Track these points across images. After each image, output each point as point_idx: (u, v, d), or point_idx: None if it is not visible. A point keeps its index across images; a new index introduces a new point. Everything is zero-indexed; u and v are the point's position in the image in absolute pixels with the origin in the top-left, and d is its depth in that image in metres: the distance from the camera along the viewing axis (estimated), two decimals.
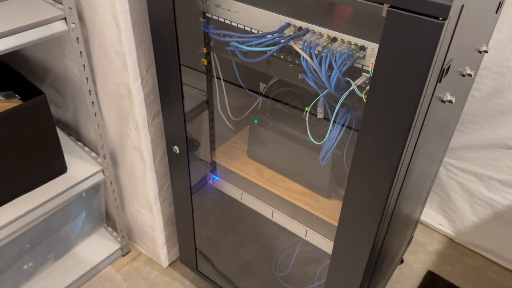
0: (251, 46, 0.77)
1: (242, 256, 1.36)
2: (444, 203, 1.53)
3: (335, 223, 0.96)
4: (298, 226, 1.02)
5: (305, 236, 1.02)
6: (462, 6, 0.56)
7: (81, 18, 0.99)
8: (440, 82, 0.64)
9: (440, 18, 0.52)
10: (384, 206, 0.73)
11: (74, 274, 1.36)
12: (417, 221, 1.48)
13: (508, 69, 1.17)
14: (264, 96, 1.07)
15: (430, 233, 1.60)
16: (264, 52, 0.78)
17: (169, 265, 1.45)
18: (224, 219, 1.35)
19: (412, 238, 1.54)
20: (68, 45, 1.11)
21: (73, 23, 0.97)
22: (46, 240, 1.32)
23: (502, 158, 1.31)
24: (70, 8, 0.95)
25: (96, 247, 1.44)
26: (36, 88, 1.11)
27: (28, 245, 1.27)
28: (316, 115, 0.87)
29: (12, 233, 1.10)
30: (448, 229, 1.57)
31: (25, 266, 1.29)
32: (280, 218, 1.05)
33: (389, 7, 0.55)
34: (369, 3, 0.59)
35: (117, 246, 1.45)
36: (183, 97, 0.93)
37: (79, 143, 1.33)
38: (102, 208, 1.45)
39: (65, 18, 0.96)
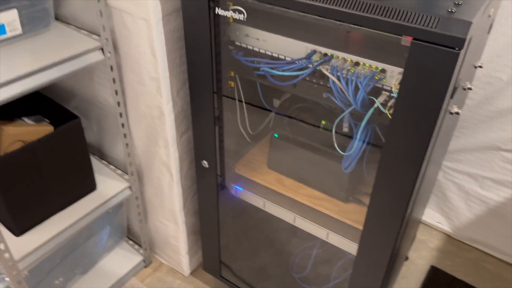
0: (283, 70, 0.88)
1: (262, 261, 1.45)
2: (441, 202, 1.66)
3: (354, 225, 1.07)
4: (320, 229, 1.12)
5: (326, 238, 1.12)
6: (471, 37, 0.68)
7: (115, 47, 1.08)
8: (452, 98, 0.76)
9: (456, 49, 0.64)
10: (405, 210, 0.84)
11: (101, 287, 1.42)
12: (419, 221, 1.60)
13: (496, 79, 1.31)
14: (285, 114, 1.17)
15: (430, 231, 1.72)
16: (294, 76, 0.88)
17: (191, 273, 1.53)
18: (243, 227, 1.44)
19: (415, 236, 1.66)
20: (98, 71, 1.20)
21: (109, 52, 1.06)
22: (73, 255, 1.38)
23: (494, 159, 1.44)
24: (106, 39, 1.04)
25: (120, 260, 1.51)
26: (69, 111, 1.18)
27: (58, 261, 1.33)
28: (334, 127, 0.99)
29: (49, 250, 1.16)
30: (446, 226, 1.69)
31: (56, 282, 1.36)
32: (302, 223, 1.15)
33: (412, 39, 0.67)
34: (393, 35, 0.70)
35: (140, 258, 1.52)
36: (215, 117, 1.03)
37: (103, 161, 1.40)
38: (124, 223, 1.52)
39: (102, 49, 1.05)
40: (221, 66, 1.01)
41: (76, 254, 1.39)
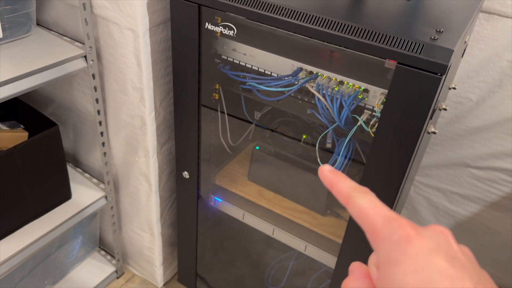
0: (270, 86, 0.89)
1: (237, 272, 1.45)
2: (412, 216, 1.71)
3: (333, 238, 1.09)
4: (298, 241, 1.14)
5: (305, 250, 1.14)
6: (451, 63, 0.72)
7: (98, 55, 1.07)
8: (431, 119, 0.80)
9: (439, 74, 0.67)
10: None
11: None
12: None
13: (466, 99, 1.37)
14: (267, 128, 1.19)
15: None
16: (281, 92, 0.90)
17: (164, 284, 1.51)
18: (219, 238, 1.44)
19: None
20: (78, 78, 1.18)
21: (92, 60, 1.04)
22: (43, 265, 1.34)
23: (462, 175, 1.51)
24: (90, 47, 1.03)
25: (91, 270, 1.48)
26: (46, 118, 1.16)
27: (28, 271, 1.29)
28: (317, 143, 1.01)
29: (22, 260, 1.12)
30: None
31: None
32: (281, 235, 1.16)
33: (397, 63, 0.70)
34: (377, 58, 0.73)
35: (112, 268, 1.49)
36: (199, 129, 1.03)
37: (78, 169, 1.37)
38: (97, 232, 1.49)
39: (85, 56, 1.03)
40: (204, 78, 1.01)
41: (46, 264, 1.35)
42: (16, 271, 1.22)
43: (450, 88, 1.11)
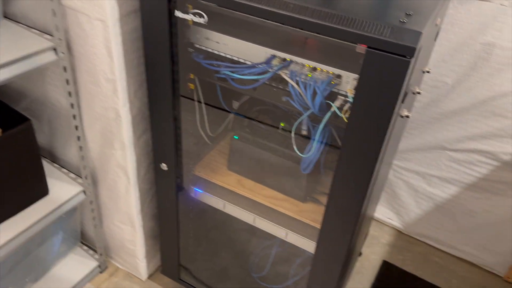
0: (244, 74, 0.89)
1: (221, 262, 1.46)
2: (392, 199, 1.74)
3: (313, 224, 1.10)
4: (279, 229, 1.14)
5: (286, 237, 1.15)
6: (421, 46, 0.72)
7: (69, 47, 1.05)
8: (403, 102, 0.80)
9: (408, 57, 0.67)
10: (361, 208, 0.87)
11: None
12: (372, 218, 1.67)
13: (442, 83, 1.39)
14: (244, 116, 1.18)
15: (382, 227, 1.79)
16: (255, 80, 0.89)
17: (148, 277, 1.51)
18: (202, 229, 1.44)
19: (368, 232, 1.72)
20: (50, 72, 1.15)
21: (62, 52, 1.02)
22: (24, 262, 1.32)
23: (440, 158, 1.53)
24: (60, 39, 1.00)
25: (74, 266, 1.46)
26: (18, 113, 1.13)
27: (8, 269, 1.27)
28: (293, 130, 1.01)
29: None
30: (396, 222, 1.77)
31: None
32: (262, 223, 1.17)
33: (367, 47, 0.70)
34: (350, 43, 0.72)
35: (95, 263, 1.48)
36: (174, 119, 1.02)
37: (55, 164, 1.35)
38: (78, 227, 1.47)
39: (55, 49, 1.01)
40: (178, 67, 1.00)
41: (27, 261, 1.33)
42: None
43: (424, 72, 1.11)
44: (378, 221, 1.81)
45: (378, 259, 1.66)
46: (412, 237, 1.75)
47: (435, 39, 1.08)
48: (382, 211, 1.79)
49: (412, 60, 0.68)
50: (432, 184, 1.60)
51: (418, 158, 1.58)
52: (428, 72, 1.11)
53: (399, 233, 1.78)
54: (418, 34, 0.67)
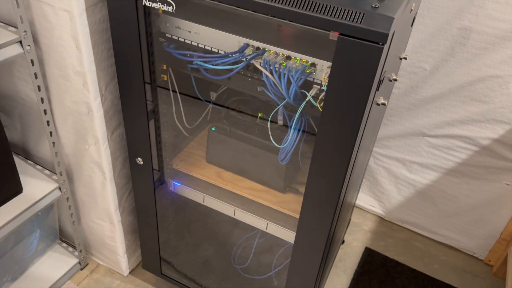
0: (216, 64, 0.86)
1: (203, 255, 1.45)
2: (373, 186, 1.74)
3: (293, 214, 1.09)
4: (259, 220, 1.13)
5: (266, 228, 1.14)
6: (394, 32, 0.70)
7: (35, 40, 1.01)
8: (378, 90, 0.79)
9: (380, 43, 0.66)
10: (338, 196, 0.87)
11: None
12: (354, 205, 1.67)
13: (420, 69, 1.39)
14: (220, 105, 1.16)
15: (364, 214, 1.80)
16: (228, 70, 0.87)
17: (130, 272, 1.49)
18: (184, 222, 1.42)
19: (350, 220, 1.73)
20: (17, 65, 1.11)
21: (29, 45, 0.98)
22: (0, 262, 1.29)
23: (420, 144, 1.53)
24: (25, 31, 0.96)
25: (53, 264, 1.44)
26: None
27: None
28: (269, 121, 0.99)
29: None
30: (378, 209, 1.78)
31: None
32: (242, 215, 1.15)
33: (339, 34, 0.68)
34: (322, 30, 0.71)
35: (75, 260, 1.45)
36: (147, 112, 1.00)
37: (29, 161, 1.31)
38: (56, 225, 1.44)
39: (20, 42, 0.97)
40: (153, 58, 0.97)
41: (3, 261, 1.30)
42: None
43: (401, 58, 1.10)
44: (360, 208, 1.81)
45: (361, 246, 1.67)
46: (394, 223, 1.77)
47: (411, 25, 1.07)
48: (364, 199, 1.79)
49: (385, 47, 0.67)
50: (412, 170, 1.61)
51: (398, 145, 1.59)
52: (405, 58, 1.10)
53: (381, 219, 1.79)
54: (390, 20, 0.65)
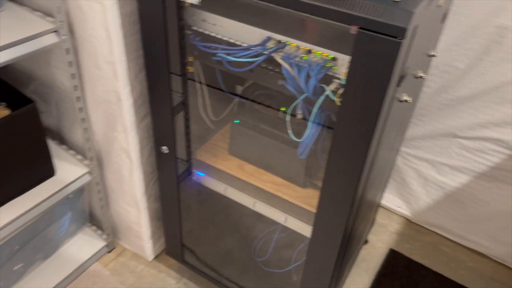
0: (238, 57, 0.88)
1: (225, 245, 1.47)
2: (401, 187, 1.71)
3: (312, 209, 1.09)
4: (278, 214, 1.14)
5: (285, 222, 1.14)
6: (417, 26, 0.69)
7: (71, 30, 1.06)
8: (399, 86, 0.78)
9: (399, 38, 0.65)
10: (354, 192, 0.86)
11: (63, 273, 1.41)
12: (378, 205, 1.65)
13: (453, 68, 1.35)
14: (243, 98, 1.18)
15: (390, 215, 1.77)
16: (249, 62, 0.88)
17: (154, 258, 1.54)
18: (208, 213, 1.45)
19: (375, 220, 1.70)
20: (55, 55, 1.17)
21: (64, 35, 1.03)
22: (34, 241, 1.36)
23: (450, 145, 1.49)
24: (61, 21, 1.01)
25: (82, 245, 1.50)
26: (24, 96, 1.16)
27: (17, 247, 1.31)
28: (292, 115, 1.00)
29: (5, 236, 1.14)
30: (405, 211, 1.75)
31: (16, 268, 1.34)
32: (262, 208, 1.17)
33: (358, 28, 0.68)
34: (344, 25, 0.70)
35: (103, 243, 1.52)
36: (171, 102, 1.03)
37: (63, 146, 1.38)
38: (86, 208, 1.51)
39: (56, 31, 1.02)
40: (185, 51, 1.00)
41: (37, 240, 1.38)
42: (3, 248, 1.24)
43: (430, 56, 1.08)
44: (386, 209, 1.78)
45: (385, 247, 1.64)
46: (421, 226, 1.73)
47: (441, 22, 1.04)
48: (390, 199, 1.76)
49: (404, 41, 0.66)
50: (442, 172, 1.56)
51: (428, 146, 1.55)
52: (434, 56, 1.07)
53: (407, 221, 1.75)
54: (410, 14, 0.64)
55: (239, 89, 1.20)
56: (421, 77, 0.96)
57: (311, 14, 0.72)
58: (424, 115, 1.49)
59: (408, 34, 0.66)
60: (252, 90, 1.18)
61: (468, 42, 1.29)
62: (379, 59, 0.68)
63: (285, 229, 1.32)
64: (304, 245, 1.34)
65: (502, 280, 1.55)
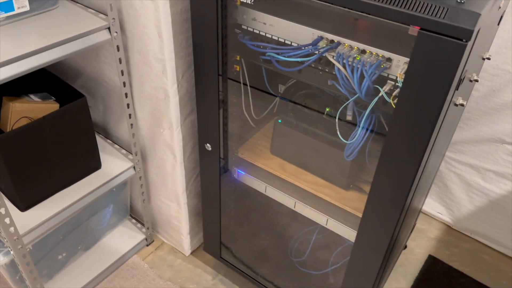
0: (289, 56, 0.87)
1: (261, 244, 1.47)
2: (442, 193, 1.66)
3: (355, 212, 1.08)
4: (320, 215, 1.13)
5: (326, 224, 1.13)
6: (479, 29, 0.67)
7: (122, 27, 1.08)
8: (457, 90, 0.76)
9: (464, 40, 0.63)
10: (405, 199, 0.84)
11: (104, 264, 1.45)
12: (420, 211, 1.61)
13: (504, 71, 1.30)
14: (285, 98, 1.17)
15: (430, 221, 1.73)
16: (300, 62, 0.88)
17: (191, 253, 1.56)
18: (244, 210, 1.46)
19: (415, 225, 1.67)
20: (104, 51, 1.20)
21: (116, 32, 1.06)
22: (77, 231, 1.41)
23: (497, 151, 1.44)
24: (113, 18, 1.04)
25: (122, 238, 1.54)
26: (75, 90, 1.19)
27: (61, 237, 1.36)
28: (337, 116, 0.99)
29: (54, 225, 1.18)
30: (446, 217, 1.70)
31: (60, 257, 1.39)
32: (303, 208, 1.16)
33: (419, 29, 0.66)
34: (400, 24, 0.69)
35: (142, 236, 1.55)
36: (219, 102, 1.03)
37: (108, 140, 1.41)
38: (127, 201, 1.54)
39: (108, 28, 1.05)
40: (227, 49, 1.01)
41: (79, 230, 1.42)
42: (50, 236, 1.29)
43: (484, 59, 1.04)
44: (426, 214, 1.74)
45: (424, 253, 1.61)
46: (461, 233, 1.68)
47: (498, 24, 1.00)
48: (431, 205, 1.72)
49: (469, 44, 0.64)
50: (487, 179, 1.51)
51: (473, 151, 1.50)
52: (488, 59, 1.04)
53: (448, 228, 1.70)
54: (476, 16, 0.62)
55: (282, 88, 1.20)
56: (476, 80, 0.93)
57: (370, 14, 0.71)
58: (471, 119, 1.44)
59: (473, 36, 0.64)
60: (295, 89, 1.17)
61: None
62: (441, 61, 0.66)
63: (323, 230, 1.32)
64: (343, 248, 1.33)
65: None
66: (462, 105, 0.85)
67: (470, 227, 1.65)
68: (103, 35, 1.05)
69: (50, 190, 1.21)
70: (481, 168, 1.51)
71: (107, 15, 1.04)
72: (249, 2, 0.85)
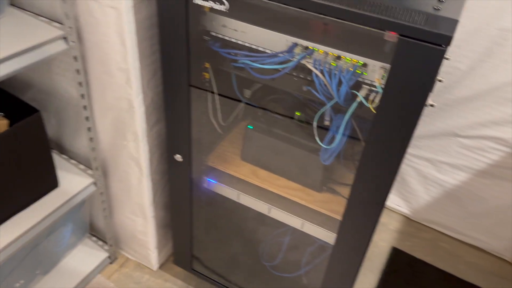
0: (265, 63, 0.86)
1: (233, 251, 1.45)
2: (400, 186, 1.73)
3: (330, 214, 1.09)
4: (295, 219, 1.13)
5: (302, 227, 1.14)
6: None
7: (79, 36, 1.01)
8: (431, 91, 0.78)
9: (443, 46, 0.65)
10: (385, 201, 0.86)
11: (66, 287, 1.36)
12: None
13: (455, 69, 1.37)
14: (251, 104, 1.16)
15: (390, 214, 1.80)
16: (276, 70, 0.87)
17: (159, 267, 1.50)
18: (212, 218, 1.43)
19: None
20: (58, 61, 1.11)
21: (73, 41, 0.99)
22: (32, 254, 1.30)
23: (451, 144, 1.52)
24: (70, 27, 0.96)
25: (83, 257, 1.45)
26: (26, 104, 1.10)
27: (16, 263, 1.25)
28: (305, 122, 0.99)
29: (10, 255, 1.09)
30: (404, 209, 1.77)
31: (17, 285, 1.28)
32: (277, 213, 1.15)
33: (399, 35, 0.67)
34: (375, 30, 0.70)
35: (105, 254, 1.47)
36: (190, 111, 1.00)
37: (63, 156, 1.32)
38: (87, 219, 1.46)
39: (65, 37, 0.97)
40: (194, 57, 0.97)
41: (36, 253, 1.31)
42: (5, 264, 1.18)
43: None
44: (386, 208, 1.81)
45: (387, 245, 1.66)
46: (420, 224, 1.76)
47: None
48: (390, 198, 1.78)
49: (448, 49, 0.66)
50: (442, 171, 1.59)
51: (429, 145, 1.57)
52: (447, 59, 1.09)
53: (407, 219, 1.78)
54: (454, 22, 0.65)
55: (248, 93, 1.18)
56: (440, 80, 0.97)
57: (349, 21, 0.71)
58: (425, 115, 1.51)
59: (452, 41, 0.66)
60: (263, 93, 1.16)
61: (470, 44, 1.31)
62: (422, 66, 0.68)
63: (293, 232, 1.32)
64: (314, 248, 1.34)
65: (501, 274, 1.60)
66: (432, 105, 0.88)
67: (428, 217, 1.73)
68: (59, 46, 0.97)
69: (5, 214, 1.11)
70: (436, 161, 1.59)
71: (62, 24, 0.96)
72: (224, 10, 0.82)
